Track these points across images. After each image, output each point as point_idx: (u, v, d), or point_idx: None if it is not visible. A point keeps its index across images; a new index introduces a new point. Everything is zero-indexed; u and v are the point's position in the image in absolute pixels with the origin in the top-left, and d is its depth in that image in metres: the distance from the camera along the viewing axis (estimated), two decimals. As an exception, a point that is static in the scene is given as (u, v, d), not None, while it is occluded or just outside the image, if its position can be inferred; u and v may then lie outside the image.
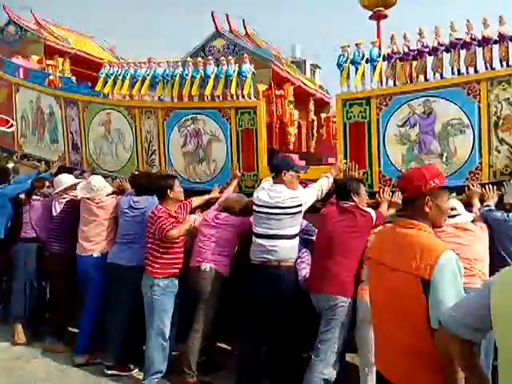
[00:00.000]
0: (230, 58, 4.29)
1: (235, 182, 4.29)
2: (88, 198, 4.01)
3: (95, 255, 3.95)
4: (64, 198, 4.40)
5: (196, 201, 4.03)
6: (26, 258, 4.41)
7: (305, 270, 3.54)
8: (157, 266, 3.50)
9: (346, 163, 3.93)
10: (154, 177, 4.21)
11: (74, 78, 5.54)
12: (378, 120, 3.81)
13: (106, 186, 4.13)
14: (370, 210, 3.26)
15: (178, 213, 3.68)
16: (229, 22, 5.17)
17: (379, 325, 1.90)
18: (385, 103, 3.78)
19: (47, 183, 4.83)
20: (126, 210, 3.90)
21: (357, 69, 3.78)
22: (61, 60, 6.34)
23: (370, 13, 4.16)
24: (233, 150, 4.39)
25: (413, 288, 1.64)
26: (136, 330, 3.73)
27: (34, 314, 4.43)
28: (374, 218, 3.20)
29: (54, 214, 4.39)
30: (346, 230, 3.18)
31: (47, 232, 4.44)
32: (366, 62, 3.77)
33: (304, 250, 3.62)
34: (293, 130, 5.73)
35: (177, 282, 3.57)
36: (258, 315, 3.36)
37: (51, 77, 5.47)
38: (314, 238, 3.59)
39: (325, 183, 3.64)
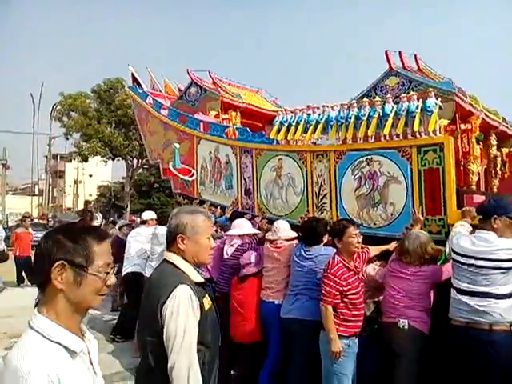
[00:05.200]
0: (412, 93, 4.03)
1: (418, 228, 3.88)
2: (271, 242, 4.05)
3: (277, 302, 3.88)
4: (236, 243, 4.54)
5: (373, 251, 3.74)
6: None
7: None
8: (337, 322, 3.24)
9: None
10: (322, 222, 3.97)
11: (248, 129, 5.92)
12: None
13: (288, 229, 4.12)
14: None
15: (356, 262, 3.42)
16: (401, 59, 4.96)
17: None
18: None
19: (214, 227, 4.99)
20: (297, 259, 3.78)
21: None
22: (234, 114, 6.90)
23: None
24: (414, 191, 4.02)
25: None
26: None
27: None
28: None
29: (225, 256, 4.55)
30: None
31: (218, 273, 4.62)
32: None
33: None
34: (475, 167, 5.06)
35: (356, 340, 3.28)
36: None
37: (229, 128, 5.94)
38: None
39: None
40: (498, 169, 5.76)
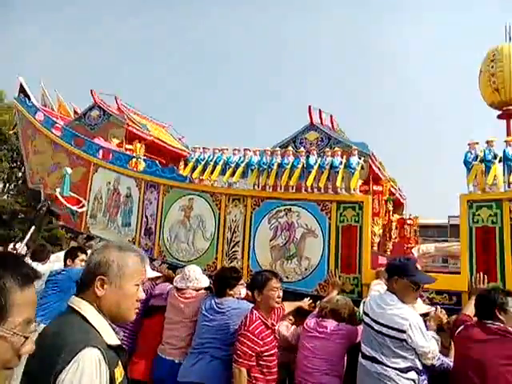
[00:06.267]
0: (336, 149, 4.06)
1: (334, 294, 3.57)
2: (178, 290, 3.53)
3: (177, 361, 3.34)
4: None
5: (287, 307, 3.47)
6: None
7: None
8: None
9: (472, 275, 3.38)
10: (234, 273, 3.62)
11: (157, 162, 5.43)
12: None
13: (200, 278, 3.63)
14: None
15: (273, 319, 3.11)
16: (320, 117, 5.10)
17: None
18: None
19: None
20: (206, 313, 3.30)
21: (488, 168, 3.42)
22: (138, 145, 6.35)
23: (497, 112, 3.95)
24: (331, 247, 3.94)
25: None
26: None
27: None
28: None
29: None
30: (500, 359, 2.51)
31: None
32: (500, 162, 3.42)
33: (424, 377, 2.92)
34: (377, 229, 5.30)
35: None
36: None
37: (135, 159, 5.37)
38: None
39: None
40: (392, 233, 6.14)
